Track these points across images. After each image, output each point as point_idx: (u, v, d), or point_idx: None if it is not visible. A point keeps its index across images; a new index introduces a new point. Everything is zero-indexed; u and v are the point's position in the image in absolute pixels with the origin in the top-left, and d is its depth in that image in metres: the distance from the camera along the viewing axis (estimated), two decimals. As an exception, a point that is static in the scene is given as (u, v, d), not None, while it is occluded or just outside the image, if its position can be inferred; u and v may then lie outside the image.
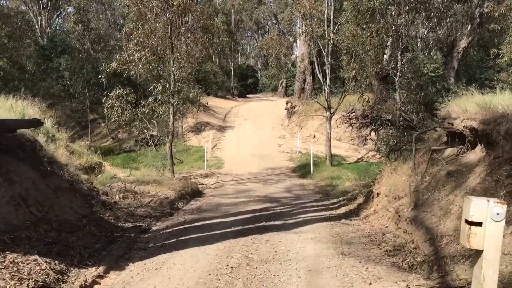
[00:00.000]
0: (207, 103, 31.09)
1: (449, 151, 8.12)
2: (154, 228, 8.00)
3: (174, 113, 16.20)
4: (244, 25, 64.17)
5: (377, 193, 8.86)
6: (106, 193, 9.72)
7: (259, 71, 69.29)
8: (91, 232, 6.58)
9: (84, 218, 6.97)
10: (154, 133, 28.20)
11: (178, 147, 27.70)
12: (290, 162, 23.04)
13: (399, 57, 16.66)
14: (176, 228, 7.84)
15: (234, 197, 12.95)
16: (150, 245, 6.56)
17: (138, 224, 7.91)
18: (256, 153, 24.85)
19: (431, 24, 33.49)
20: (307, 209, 10.32)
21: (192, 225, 8.08)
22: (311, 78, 35.00)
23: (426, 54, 30.11)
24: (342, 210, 9.98)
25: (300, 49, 36.76)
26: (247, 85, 59.84)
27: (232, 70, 53.76)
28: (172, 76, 15.53)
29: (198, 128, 31.65)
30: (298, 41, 37.49)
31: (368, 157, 25.31)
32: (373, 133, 27.62)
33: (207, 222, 8.33)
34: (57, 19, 56.27)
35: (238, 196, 13.12)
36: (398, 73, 16.80)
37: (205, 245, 6.40)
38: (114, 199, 9.66)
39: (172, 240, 6.79)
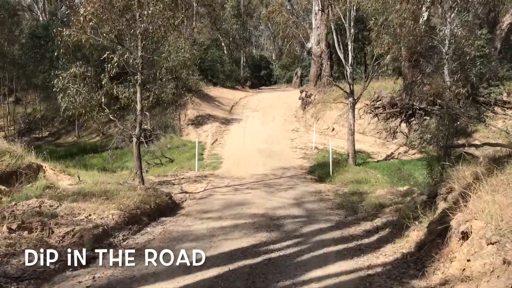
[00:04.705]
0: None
1: None
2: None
3: (143, 97, 11.93)
4: (257, 13, 59.82)
5: (464, 232, 4.53)
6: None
7: (273, 63, 64.88)
8: None
9: None
10: (146, 127, 24.21)
11: (174, 143, 23.79)
12: (304, 161, 18.71)
13: (449, 18, 12.12)
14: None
15: (217, 217, 8.76)
16: None
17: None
18: (263, 150, 20.61)
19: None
20: (326, 249, 6.05)
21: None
22: (328, 63, 30.51)
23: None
24: (388, 253, 5.69)
25: (316, 30, 32.25)
26: (260, 76, 55.66)
27: (243, 58, 49.44)
28: (139, 41, 11.19)
29: (199, 121, 27.52)
30: (313, 21, 32.96)
31: (399, 153, 20.87)
32: (403, 125, 23.17)
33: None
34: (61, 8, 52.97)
35: (223, 215, 8.92)
36: (447, 41, 12.28)
37: None
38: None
39: None
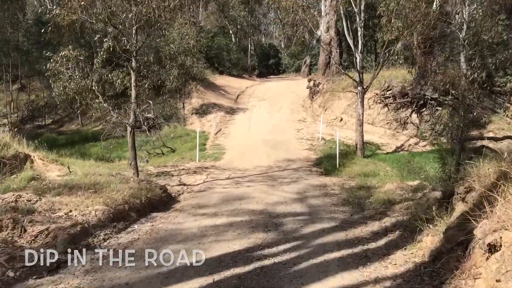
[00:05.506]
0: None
1: None
2: None
3: (139, 83, 11.21)
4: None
5: (491, 245, 3.80)
6: None
7: (282, 52, 63.81)
8: None
9: None
10: (149, 115, 23.49)
11: (178, 132, 23.19)
12: (310, 152, 17.97)
13: (467, 1, 11.19)
14: None
15: (212, 213, 8.10)
16: None
17: None
18: (268, 140, 19.90)
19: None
20: (327, 255, 5.37)
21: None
22: (338, 50, 29.61)
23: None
24: (399, 262, 4.99)
25: (325, 17, 31.25)
26: (269, 65, 54.69)
27: (251, 45, 48.50)
28: (134, 22, 10.38)
29: (203, 110, 26.83)
30: (323, 8, 31.99)
31: (409, 145, 20.04)
32: (414, 115, 22.26)
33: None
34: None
35: (219, 211, 8.26)
36: (464, 26, 11.37)
37: None
38: None
39: None
